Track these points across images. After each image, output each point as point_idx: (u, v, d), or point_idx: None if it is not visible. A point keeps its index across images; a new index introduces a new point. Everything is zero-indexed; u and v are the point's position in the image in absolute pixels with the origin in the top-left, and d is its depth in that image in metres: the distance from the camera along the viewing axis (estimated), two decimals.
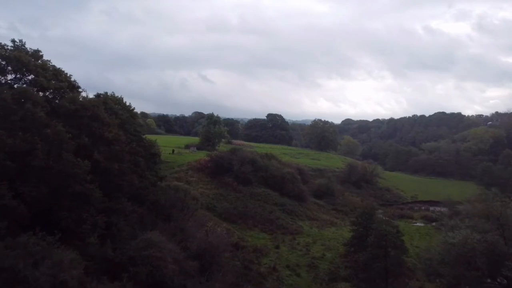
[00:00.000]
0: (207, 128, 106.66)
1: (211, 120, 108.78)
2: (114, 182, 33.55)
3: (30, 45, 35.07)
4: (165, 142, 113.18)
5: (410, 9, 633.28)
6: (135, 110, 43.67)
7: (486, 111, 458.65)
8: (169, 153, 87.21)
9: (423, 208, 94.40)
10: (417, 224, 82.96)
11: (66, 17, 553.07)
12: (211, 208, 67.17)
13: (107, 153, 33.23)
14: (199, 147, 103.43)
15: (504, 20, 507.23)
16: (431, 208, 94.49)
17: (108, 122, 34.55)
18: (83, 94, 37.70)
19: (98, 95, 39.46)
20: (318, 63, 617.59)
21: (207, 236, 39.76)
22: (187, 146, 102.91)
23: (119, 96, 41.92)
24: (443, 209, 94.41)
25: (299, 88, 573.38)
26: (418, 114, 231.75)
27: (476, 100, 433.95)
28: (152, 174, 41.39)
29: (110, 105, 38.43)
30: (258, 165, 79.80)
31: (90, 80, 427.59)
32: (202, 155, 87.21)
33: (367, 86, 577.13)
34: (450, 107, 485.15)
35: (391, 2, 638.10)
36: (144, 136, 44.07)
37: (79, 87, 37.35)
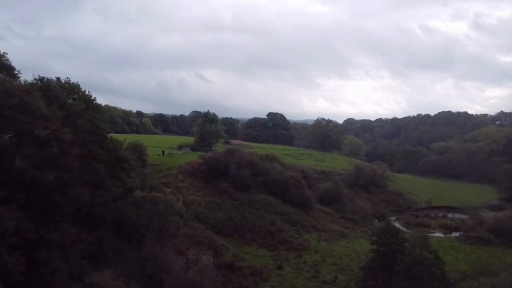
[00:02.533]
0: (203, 126, 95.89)
1: (207, 118, 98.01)
2: (48, 199, 22.85)
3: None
4: (158, 142, 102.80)
5: (407, 8, 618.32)
6: (96, 101, 32.69)
7: (486, 110, 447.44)
8: (158, 155, 76.44)
9: (440, 215, 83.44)
10: (436, 234, 72.06)
11: (61, 17, 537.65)
12: (203, 219, 56.67)
13: (38, 158, 22.53)
14: (193, 148, 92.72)
15: (501, 19, 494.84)
16: (449, 215, 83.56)
17: (43, 115, 23.85)
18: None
19: (41, 79, 28.60)
20: (317, 63, 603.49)
21: (187, 269, 29.00)
22: (180, 147, 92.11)
23: (74, 82, 31.20)
24: (463, 216, 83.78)
25: (298, 88, 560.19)
26: (418, 113, 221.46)
27: (476, 100, 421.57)
28: (117, 185, 30.58)
29: (55, 93, 27.68)
30: (257, 168, 69.12)
31: (89, 80, 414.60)
32: (195, 157, 76.45)
33: (366, 86, 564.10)
34: (450, 107, 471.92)
35: (388, 2, 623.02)
36: (109, 135, 33.24)
37: (12, 68, 26.61)
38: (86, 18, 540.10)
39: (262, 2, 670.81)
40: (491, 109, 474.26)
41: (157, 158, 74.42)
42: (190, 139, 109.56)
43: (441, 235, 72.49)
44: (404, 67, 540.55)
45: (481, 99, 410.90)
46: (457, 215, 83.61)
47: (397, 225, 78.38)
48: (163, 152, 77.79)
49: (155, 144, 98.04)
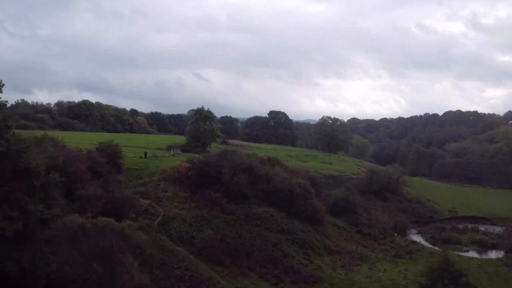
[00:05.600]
0: (196, 125, 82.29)
1: (201, 115, 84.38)
2: None
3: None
4: (147, 142, 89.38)
5: (403, 7, 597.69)
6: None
7: (486, 110, 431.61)
8: (140, 157, 62.88)
9: (469, 227, 69.71)
10: (471, 254, 58.34)
11: (55, 16, 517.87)
12: (187, 240, 43.21)
13: None
14: (185, 149, 79.14)
15: (497, 18, 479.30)
16: (481, 228, 69.93)
17: None
18: None
19: None
20: (314, 62, 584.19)
21: None
22: (169, 147, 78.55)
23: None
24: (496, 229, 70.09)
25: (296, 87, 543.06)
26: (425, 113, 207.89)
27: (475, 99, 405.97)
28: (10, 217, 16.95)
29: None
30: (257, 174, 55.66)
31: (86, 79, 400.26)
32: (184, 159, 62.77)
33: (365, 85, 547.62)
34: (450, 107, 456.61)
35: (383, 0, 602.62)
36: (12, 132, 19.64)
37: None
38: (80, 17, 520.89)
39: (257, 1, 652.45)
40: (492, 109, 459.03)
41: (138, 161, 60.94)
42: (184, 139, 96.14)
43: (475, 254, 58.84)
44: (402, 67, 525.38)
45: (481, 99, 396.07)
46: (490, 228, 70.01)
47: (420, 239, 65.34)
48: (145, 154, 64.13)
49: (143, 144, 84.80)
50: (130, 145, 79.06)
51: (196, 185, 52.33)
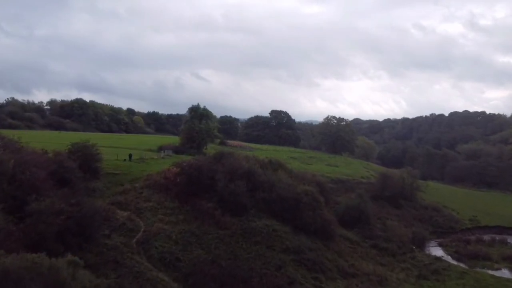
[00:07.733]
0: (191, 123, 73.79)
1: (196, 113, 75.81)
2: None
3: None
4: (138, 143, 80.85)
5: (401, 7, 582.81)
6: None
7: (488, 111, 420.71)
8: (124, 160, 54.17)
9: (497, 239, 60.85)
10: (504, 272, 49.41)
11: (52, 16, 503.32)
12: (171, 264, 34.53)
13: None
14: (178, 150, 70.58)
15: (496, 19, 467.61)
16: (509, 241, 61.01)
17: None
18: None
19: None
20: (314, 63, 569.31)
21: None
22: (160, 149, 69.90)
23: None
24: None
25: (296, 88, 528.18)
26: (418, 114, 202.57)
27: (475, 100, 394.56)
28: None
29: None
30: (257, 180, 47.04)
31: (86, 79, 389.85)
32: (174, 162, 54.08)
33: (364, 86, 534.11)
34: (450, 107, 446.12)
35: (381, 1, 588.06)
36: None
37: None
38: (78, 17, 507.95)
39: (255, 1, 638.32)
40: (492, 110, 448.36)
41: (121, 164, 52.26)
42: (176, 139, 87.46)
43: (507, 272, 49.83)
44: (402, 67, 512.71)
45: (481, 100, 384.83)
46: None
47: (442, 254, 56.64)
48: (130, 156, 55.42)
49: (134, 144, 76.32)
50: (118, 146, 70.63)
51: (185, 193, 43.69)
